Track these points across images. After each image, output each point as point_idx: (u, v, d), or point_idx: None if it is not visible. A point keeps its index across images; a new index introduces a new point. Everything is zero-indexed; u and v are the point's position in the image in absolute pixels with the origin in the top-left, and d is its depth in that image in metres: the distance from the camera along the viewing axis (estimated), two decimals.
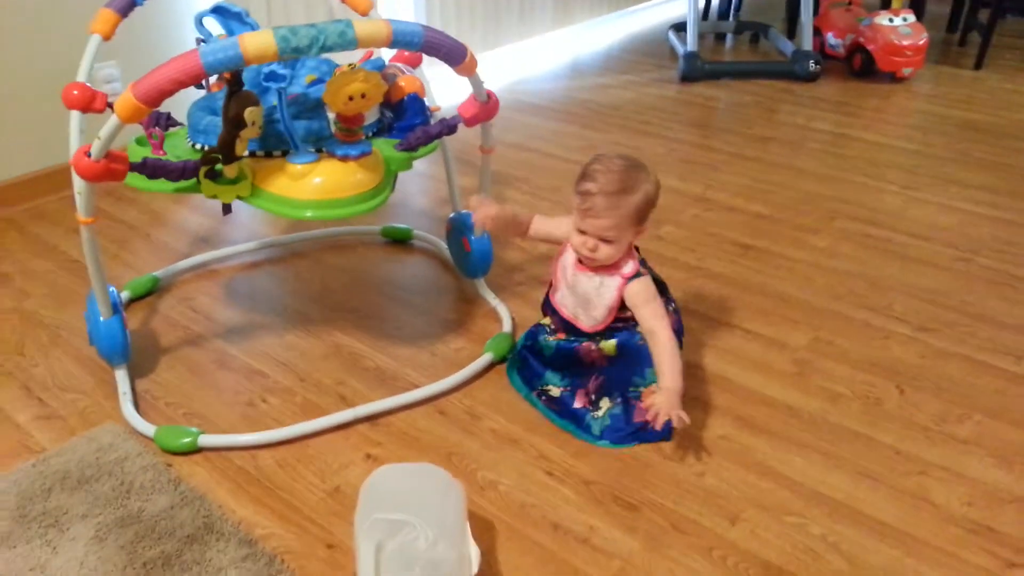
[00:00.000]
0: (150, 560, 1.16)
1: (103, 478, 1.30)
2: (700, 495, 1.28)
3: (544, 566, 1.16)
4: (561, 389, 1.44)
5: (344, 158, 1.31)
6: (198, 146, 1.38)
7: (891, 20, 3.38)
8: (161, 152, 1.35)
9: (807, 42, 3.46)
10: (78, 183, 1.26)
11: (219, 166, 1.28)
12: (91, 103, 1.43)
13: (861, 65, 3.47)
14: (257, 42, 1.07)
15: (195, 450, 1.35)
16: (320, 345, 1.64)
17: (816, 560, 1.17)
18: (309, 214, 1.31)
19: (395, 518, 1.05)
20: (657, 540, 1.21)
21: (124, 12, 1.46)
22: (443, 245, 1.97)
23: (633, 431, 1.38)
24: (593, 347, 1.41)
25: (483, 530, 1.20)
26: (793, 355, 1.63)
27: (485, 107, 1.43)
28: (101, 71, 2.19)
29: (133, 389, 1.49)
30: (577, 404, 1.41)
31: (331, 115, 1.38)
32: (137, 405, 1.45)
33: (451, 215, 1.84)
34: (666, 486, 1.30)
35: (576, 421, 1.41)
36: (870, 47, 3.41)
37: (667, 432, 1.38)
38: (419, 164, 1.54)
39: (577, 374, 1.43)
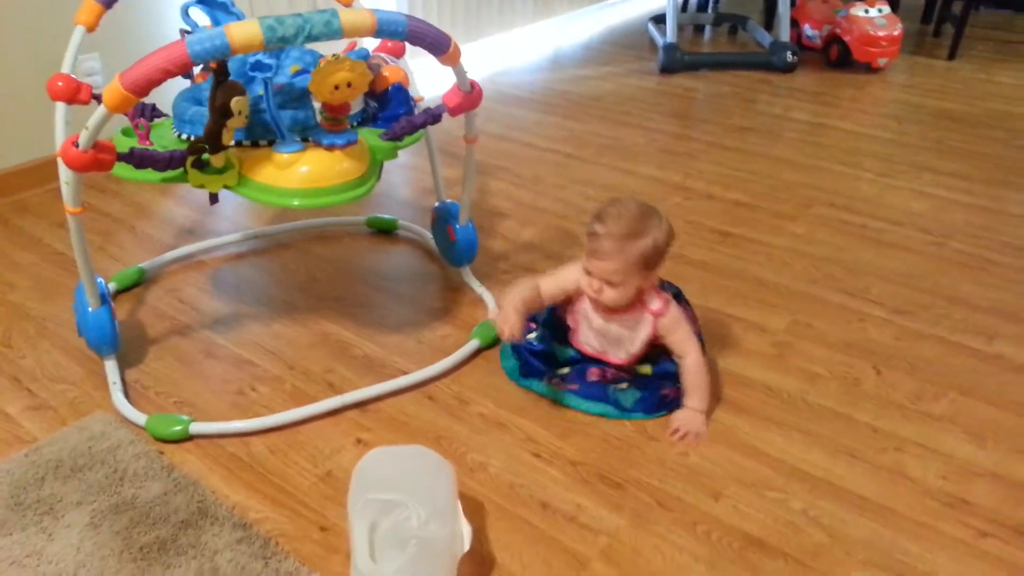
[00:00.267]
0: (146, 545, 1.17)
1: (96, 466, 1.31)
2: (684, 473, 1.32)
3: (533, 543, 1.19)
4: (570, 367, 1.47)
5: (330, 147, 1.33)
6: (184, 136, 1.39)
7: (867, 11, 3.43)
8: (147, 143, 1.36)
9: (784, 33, 3.51)
10: (65, 173, 1.27)
11: (206, 156, 1.29)
12: (76, 94, 1.43)
13: (837, 56, 3.52)
14: (243, 31, 1.08)
15: (187, 438, 1.37)
16: (307, 334, 1.66)
17: (797, 533, 1.21)
18: (296, 203, 1.33)
19: (388, 498, 1.07)
20: (643, 517, 1.24)
21: (108, 3, 1.47)
22: (428, 235, 1.99)
23: (659, 400, 1.42)
24: (623, 370, 1.45)
25: (474, 510, 1.23)
26: (772, 338, 1.67)
27: (469, 97, 1.45)
28: (83, 64, 2.19)
29: (123, 379, 1.50)
30: (592, 379, 1.44)
31: (316, 105, 1.39)
32: (127, 395, 1.46)
33: (436, 204, 1.86)
34: (651, 465, 1.33)
35: (601, 398, 1.43)
36: (846, 38, 3.46)
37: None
38: (402, 155, 1.56)
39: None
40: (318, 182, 1.32)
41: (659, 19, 3.90)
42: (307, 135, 1.37)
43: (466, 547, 1.09)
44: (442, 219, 1.83)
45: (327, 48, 1.44)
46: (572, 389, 1.45)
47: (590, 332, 1.44)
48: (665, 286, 1.51)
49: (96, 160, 1.18)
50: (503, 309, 1.39)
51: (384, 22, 1.15)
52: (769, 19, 3.97)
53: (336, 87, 1.26)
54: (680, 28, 3.62)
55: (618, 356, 1.44)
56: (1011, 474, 1.33)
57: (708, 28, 4.19)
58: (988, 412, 1.47)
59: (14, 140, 2.20)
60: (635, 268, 1.31)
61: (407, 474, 1.14)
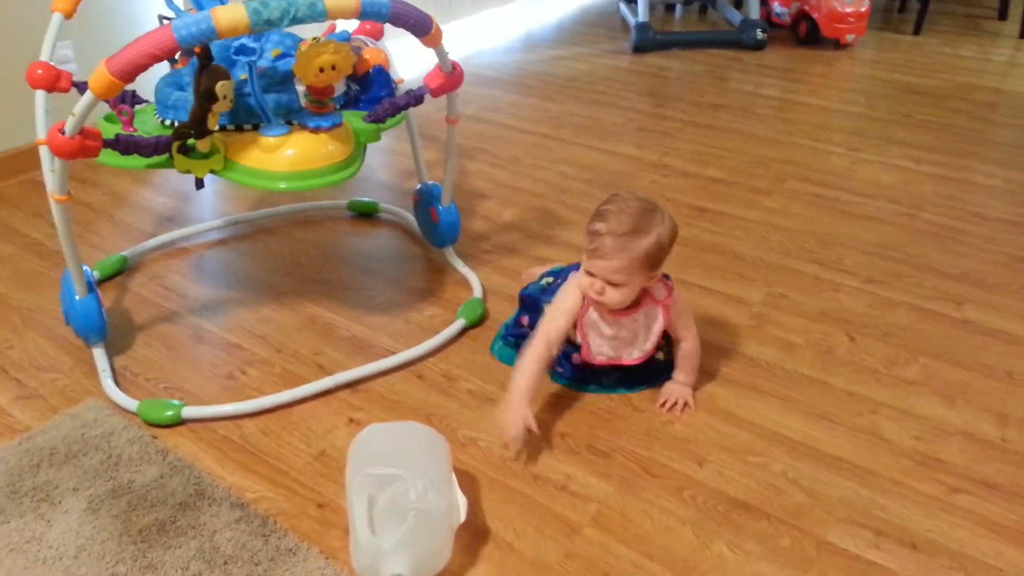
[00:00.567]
0: (145, 527, 1.19)
1: (90, 452, 1.32)
2: (669, 441, 1.36)
3: (526, 512, 1.22)
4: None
5: (316, 130, 1.34)
6: (167, 122, 1.40)
7: None
8: (132, 129, 1.36)
9: (754, 11, 3.55)
10: (51, 161, 1.27)
11: (191, 141, 1.30)
12: (56, 82, 1.43)
13: (806, 33, 3.57)
14: (229, 15, 1.09)
15: (179, 422, 1.38)
16: (294, 317, 1.67)
17: (779, 495, 1.26)
18: (283, 185, 1.34)
19: (385, 472, 1.10)
20: (630, 484, 1.28)
21: None
22: (409, 217, 2.00)
23: (639, 377, 1.45)
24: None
25: (467, 483, 1.26)
26: (750, 309, 1.71)
27: (450, 78, 1.47)
28: (56, 52, 2.15)
29: (112, 366, 1.50)
30: (576, 362, 1.45)
31: (300, 88, 1.40)
32: (117, 382, 1.47)
33: (418, 186, 1.88)
34: (637, 434, 1.37)
35: (584, 380, 1.46)
36: (815, 15, 3.51)
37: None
38: (381, 138, 1.57)
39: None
40: (304, 165, 1.33)
41: None
42: (292, 118, 1.38)
43: (462, 518, 1.12)
44: (424, 201, 1.84)
45: (306, 32, 1.45)
46: (557, 372, 1.48)
47: (601, 340, 1.37)
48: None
49: (83, 147, 1.19)
50: (510, 419, 1.29)
51: (368, 3, 1.17)
52: None
53: (321, 70, 1.27)
54: (651, 7, 3.64)
55: (631, 356, 1.39)
56: (980, 432, 1.38)
57: (679, 7, 4.22)
58: (958, 375, 1.52)
59: None
60: (639, 267, 1.26)
61: (403, 449, 1.17)
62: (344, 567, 1.12)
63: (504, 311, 1.67)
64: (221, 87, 1.25)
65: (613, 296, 1.28)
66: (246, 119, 1.38)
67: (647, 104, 2.92)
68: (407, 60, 2.00)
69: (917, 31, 3.76)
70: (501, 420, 1.31)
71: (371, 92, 1.53)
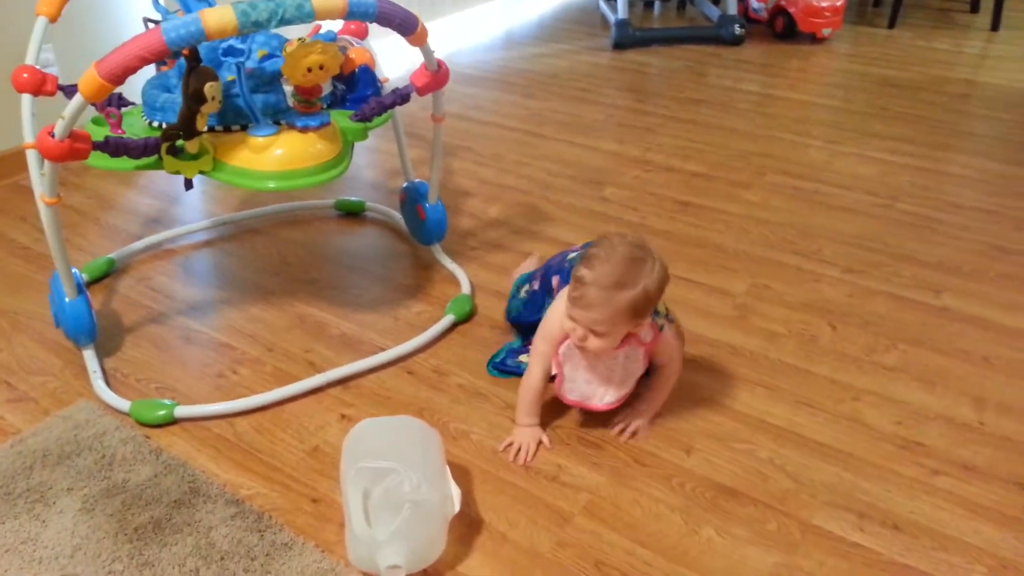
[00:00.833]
0: (140, 525, 1.20)
1: (84, 453, 1.33)
2: (657, 431, 1.38)
3: (519, 503, 1.24)
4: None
5: (304, 129, 1.35)
6: (155, 124, 1.40)
7: None
8: (120, 131, 1.37)
9: (732, 7, 3.59)
10: (36, 165, 1.28)
11: (180, 142, 1.31)
12: (42, 86, 1.43)
13: (783, 27, 3.62)
14: (218, 17, 1.10)
15: (172, 421, 1.39)
16: (284, 316, 1.68)
17: (765, 480, 1.29)
18: (272, 185, 1.35)
19: (379, 466, 1.11)
20: (620, 473, 1.30)
21: None
22: (396, 215, 2.02)
23: None
24: None
25: (460, 475, 1.28)
26: (733, 300, 1.74)
27: (436, 76, 1.49)
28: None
29: (102, 368, 1.51)
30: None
31: (287, 88, 1.41)
32: (108, 383, 1.48)
33: (404, 184, 1.89)
34: None
35: None
36: (791, 10, 3.55)
37: None
38: (368, 137, 1.59)
39: None
40: (293, 164, 1.34)
41: None
42: (280, 118, 1.40)
43: (456, 508, 1.14)
44: (411, 199, 1.86)
45: (292, 32, 1.46)
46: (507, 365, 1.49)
47: (576, 372, 1.31)
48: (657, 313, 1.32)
49: (73, 149, 1.19)
50: (524, 442, 1.32)
51: (355, 4, 1.18)
52: None
53: (309, 70, 1.28)
54: (630, 4, 3.67)
55: (604, 400, 1.33)
56: (959, 416, 1.42)
57: (657, 3, 4.26)
58: (937, 361, 1.56)
59: None
60: (623, 319, 1.20)
61: (396, 442, 1.18)
62: (340, 560, 1.14)
63: (492, 306, 1.69)
64: (209, 88, 1.26)
65: (595, 344, 1.22)
66: (234, 120, 1.39)
67: (628, 100, 2.95)
68: (391, 59, 2.01)
69: (892, 25, 3.82)
70: (516, 444, 1.33)
71: (357, 91, 1.55)
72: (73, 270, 1.47)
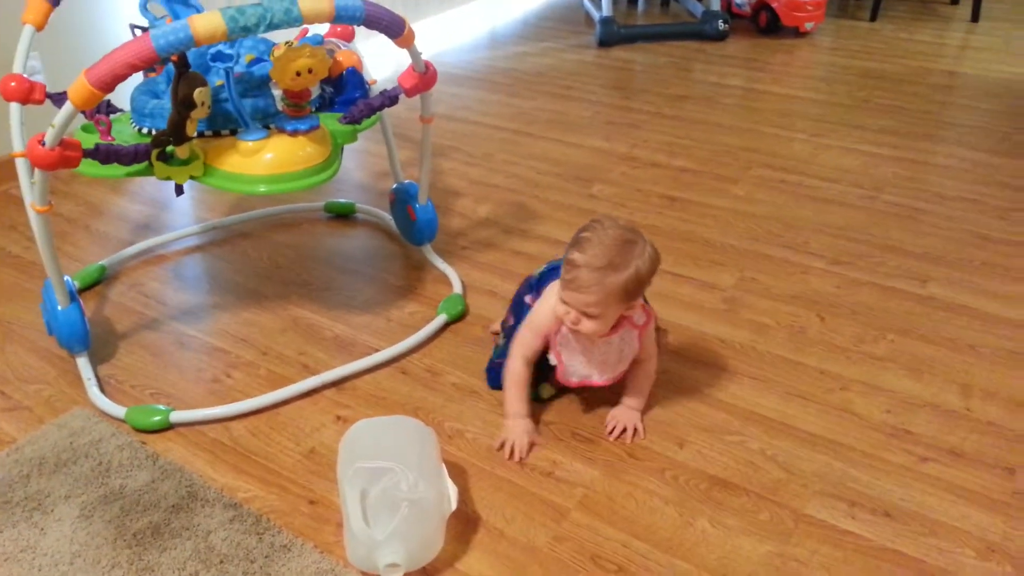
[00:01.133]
0: (139, 531, 1.21)
1: (80, 460, 1.33)
2: (649, 424, 1.40)
3: (515, 499, 1.26)
4: None
5: (294, 133, 1.36)
6: (144, 130, 1.41)
7: None
8: (110, 138, 1.37)
9: (715, 2, 3.61)
10: (26, 174, 1.28)
11: (170, 148, 1.31)
12: (30, 94, 1.43)
13: (767, 22, 3.64)
14: (207, 23, 1.11)
15: (167, 427, 1.39)
16: (277, 319, 1.69)
17: (756, 471, 1.30)
18: (263, 189, 1.36)
19: (376, 465, 1.13)
20: (614, 467, 1.32)
21: (55, 1, 1.46)
22: (386, 216, 2.03)
23: None
24: None
25: (456, 473, 1.29)
26: (722, 294, 1.76)
27: (424, 78, 1.50)
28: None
29: (96, 375, 1.51)
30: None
31: (276, 92, 1.42)
32: (103, 390, 1.48)
33: (394, 186, 1.90)
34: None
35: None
36: (774, 4, 3.58)
37: None
38: (357, 139, 1.59)
39: None
40: (284, 168, 1.35)
41: None
42: (270, 122, 1.40)
43: (453, 506, 1.15)
44: (401, 200, 1.87)
45: (279, 36, 1.47)
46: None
47: (574, 359, 1.33)
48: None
49: (63, 157, 1.20)
50: (515, 438, 1.32)
51: (342, 8, 1.19)
52: None
53: (298, 73, 1.29)
54: (615, 1, 3.70)
55: (603, 377, 1.35)
56: (946, 403, 1.44)
57: (641, 0, 4.27)
58: (924, 349, 1.58)
59: None
60: (615, 301, 1.21)
61: (393, 442, 1.19)
62: (339, 561, 1.15)
63: (483, 305, 1.71)
64: (199, 94, 1.27)
65: (589, 326, 1.23)
66: (224, 124, 1.40)
67: (614, 97, 2.97)
68: (378, 61, 2.01)
69: (873, 18, 3.85)
70: (508, 442, 1.33)
71: (345, 94, 1.56)
72: (65, 278, 1.47)
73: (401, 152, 2.28)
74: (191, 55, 1.36)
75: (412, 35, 1.37)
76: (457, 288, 1.75)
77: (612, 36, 3.50)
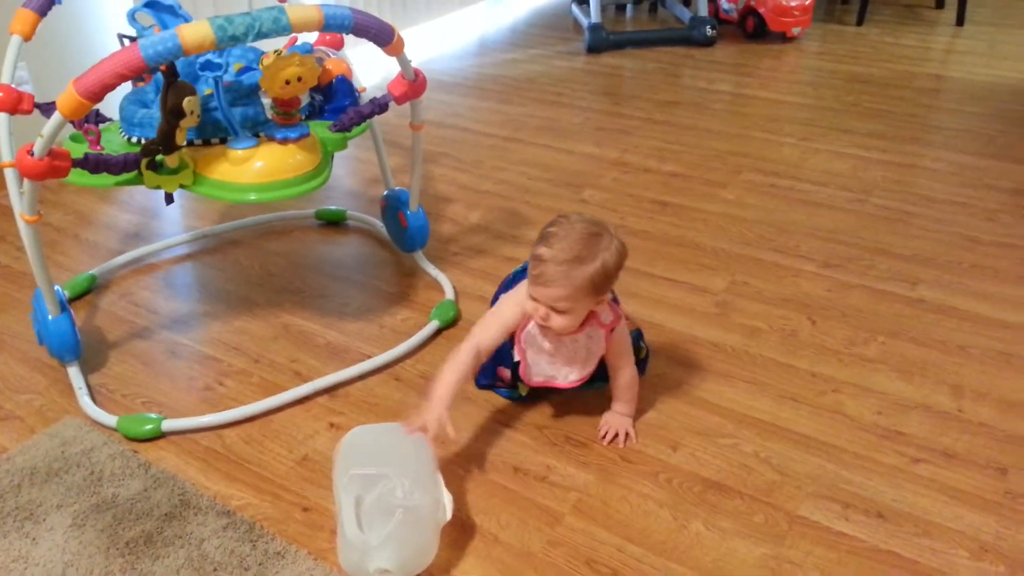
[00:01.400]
0: (132, 540, 1.20)
1: (72, 469, 1.32)
2: (643, 428, 1.40)
3: (510, 505, 1.26)
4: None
5: (284, 141, 1.36)
6: (134, 139, 1.41)
7: None
8: (99, 148, 1.37)
9: (703, 8, 3.63)
10: (15, 184, 1.27)
11: (160, 157, 1.31)
12: (18, 104, 1.43)
13: (754, 27, 3.66)
14: (195, 32, 1.11)
15: (159, 435, 1.39)
16: (268, 327, 1.69)
17: (750, 473, 1.31)
18: (253, 197, 1.36)
19: (371, 472, 1.12)
20: (608, 471, 1.32)
21: (43, 11, 1.46)
22: (377, 223, 2.03)
23: (592, 378, 1.40)
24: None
25: (451, 479, 1.28)
26: (714, 298, 1.77)
27: (413, 85, 1.50)
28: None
29: (88, 384, 1.50)
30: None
31: (265, 101, 1.42)
32: (94, 399, 1.47)
33: (385, 192, 1.90)
34: None
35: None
36: (761, 9, 3.60)
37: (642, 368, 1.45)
38: (347, 147, 1.59)
39: None
40: (274, 176, 1.35)
41: (582, 0, 3.98)
42: (259, 130, 1.40)
43: (448, 516, 1.15)
44: (392, 206, 1.87)
45: (268, 45, 1.47)
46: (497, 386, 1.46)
47: (539, 357, 1.32)
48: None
49: (52, 167, 1.19)
50: (427, 423, 1.21)
51: (331, 16, 1.20)
52: None
53: (287, 82, 1.29)
54: (603, 8, 3.71)
55: (568, 378, 1.34)
56: (937, 404, 1.45)
57: (629, 7, 4.29)
58: (914, 351, 1.59)
59: None
60: (583, 295, 1.21)
61: (388, 449, 1.19)
62: (333, 567, 1.14)
63: (475, 311, 1.70)
64: (188, 103, 1.27)
65: (558, 321, 1.23)
66: (213, 133, 1.40)
67: (604, 103, 2.98)
68: (367, 68, 2.02)
69: (860, 22, 3.88)
70: (418, 423, 1.22)
71: (335, 102, 1.56)
72: (55, 287, 1.46)
73: (391, 159, 2.28)
74: (180, 64, 1.36)
75: (401, 43, 1.37)
76: (449, 294, 1.75)
77: (601, 42, 3.51)
